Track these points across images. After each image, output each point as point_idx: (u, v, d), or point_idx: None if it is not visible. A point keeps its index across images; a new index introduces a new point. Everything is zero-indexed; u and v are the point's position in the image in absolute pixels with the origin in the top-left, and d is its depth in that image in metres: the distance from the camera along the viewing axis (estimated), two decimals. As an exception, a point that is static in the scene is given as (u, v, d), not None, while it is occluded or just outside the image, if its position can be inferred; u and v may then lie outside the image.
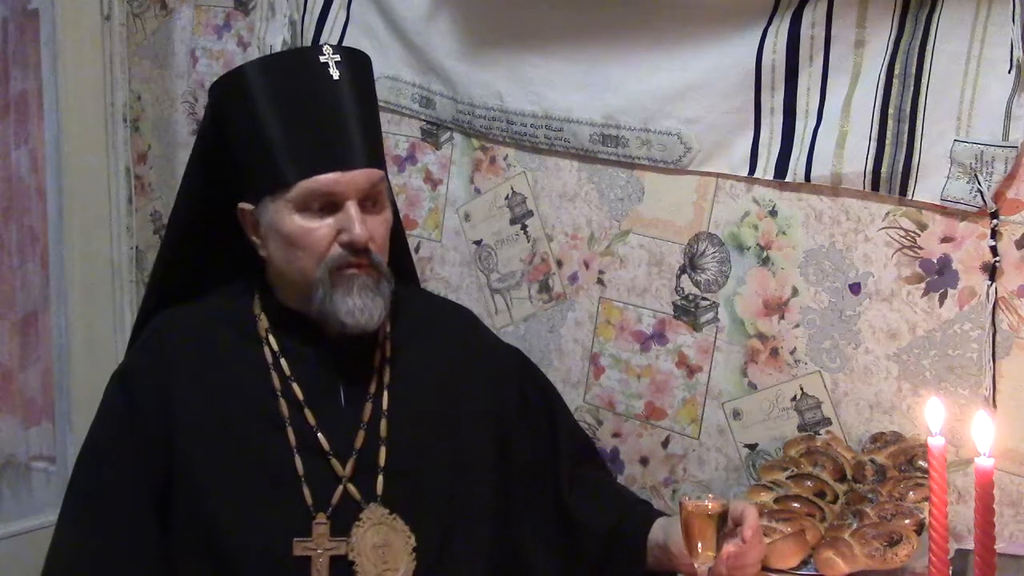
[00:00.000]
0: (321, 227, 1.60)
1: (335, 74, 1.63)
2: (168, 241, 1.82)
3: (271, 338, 1.68)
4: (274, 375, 1.65)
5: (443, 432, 1.71)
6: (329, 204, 1.61)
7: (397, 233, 1.80)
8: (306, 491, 1.61)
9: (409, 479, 1.65)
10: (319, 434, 1.63)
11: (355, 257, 1.61)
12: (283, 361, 1.66)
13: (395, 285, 1.73)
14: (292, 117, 1.62)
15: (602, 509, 1.77)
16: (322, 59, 1.64)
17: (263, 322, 1.69)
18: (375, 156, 1.66)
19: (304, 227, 1.60)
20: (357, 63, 1.69)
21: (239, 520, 1.60)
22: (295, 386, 1.65)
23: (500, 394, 1.79)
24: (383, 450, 1.65)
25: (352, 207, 1.60)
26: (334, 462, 1.62)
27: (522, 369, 1.88)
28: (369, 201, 1.63)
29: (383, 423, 1.66)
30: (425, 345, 1.76)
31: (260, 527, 1.60)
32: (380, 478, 1.63)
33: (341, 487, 1.62)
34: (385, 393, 1.68)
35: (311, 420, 1.64)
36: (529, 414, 1.82)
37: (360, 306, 1.61)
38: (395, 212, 1.79)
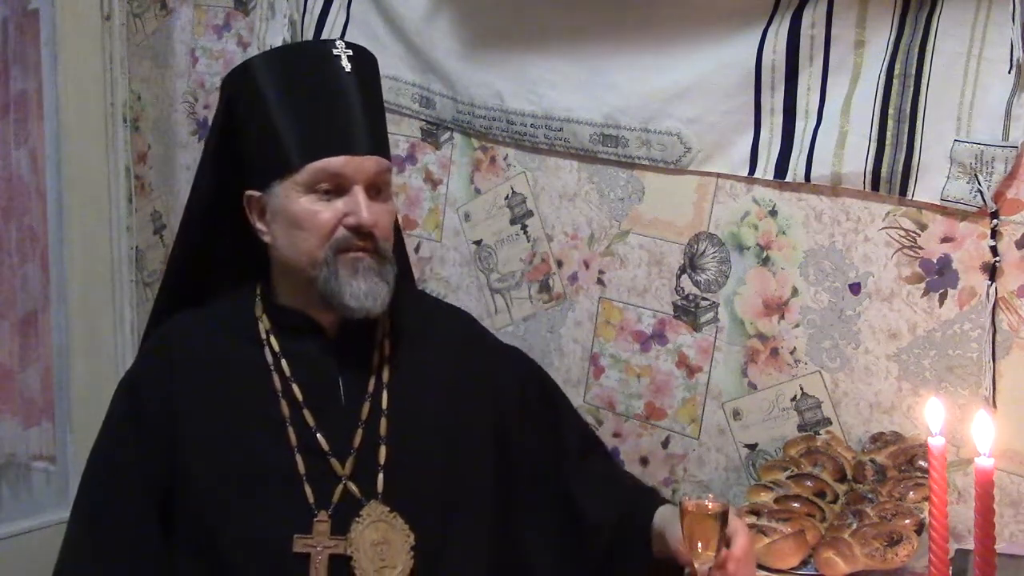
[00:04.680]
0: (328, 209, 1.63)
1: (347, 66, 1.68)
2: (180, 241, 1.84)
3: (271, 339, 1.70)
4: (275, 376, 1.67)
5: (442, 430, 1.72)
6: (337, 187, 1.64)
7: (396, 232, 1.82)
8: (307, 490, 1.62)
9: (408, 477, 1.66)
10: (318, 434, 1.64)
11: (360, 240, 1.63)
12: (283, 362, 1.68)
13: (398, 280, 1.74)
14: (304, 104, 1.66)
15: (607, 501, 1.77)
16: (335, 52, 1.69)
17: (264, 324, 1.71)
18: (382, 148, 1.70)
19: (311, 209, 1.63)
20: (367, 61, 1.74)
21: (240, 519, 1.61)
22: (295, 387, 1.67)
23: (500, 391, 1.80)
24: (383, 448, 1.66)
25: (359, 191, 1.63)
26: (333, 461, 1.64)
27: (522, 365, 1.89)
28: (374, 189, 1.66)
29: (382, 421, 1.67)
30: (425, 344, 1.77)
31: (261, 525, 1.61)
32: (380, 476, 1.64)
33: (341, 485, 1.63)
34: (384, 392, 1.69)
35: (310, 420, 1.65)
36: (530, 409, 1.82)
37: (365, 290, 1.63)
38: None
